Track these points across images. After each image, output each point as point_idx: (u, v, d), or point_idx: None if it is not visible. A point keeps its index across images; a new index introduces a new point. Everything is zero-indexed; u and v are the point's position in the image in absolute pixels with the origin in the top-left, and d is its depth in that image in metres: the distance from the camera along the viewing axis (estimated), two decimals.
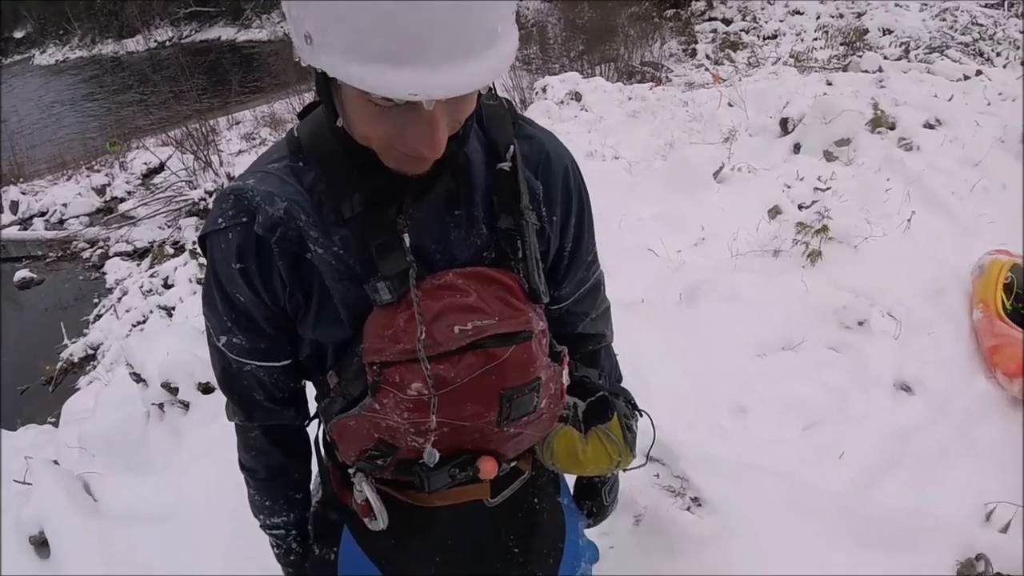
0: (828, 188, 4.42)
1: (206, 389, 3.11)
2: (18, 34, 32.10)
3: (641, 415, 1.34)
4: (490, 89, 1.04)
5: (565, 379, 1.22)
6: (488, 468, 1.12)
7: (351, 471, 1.15)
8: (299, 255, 0.96)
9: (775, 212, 4.27)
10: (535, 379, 1.05)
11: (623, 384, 1.46)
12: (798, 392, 2.80)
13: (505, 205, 1.02)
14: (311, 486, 1.41)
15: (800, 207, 4.31)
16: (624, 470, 1.36)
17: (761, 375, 2.91)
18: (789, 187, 4.55)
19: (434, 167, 0.90)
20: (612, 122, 7.06)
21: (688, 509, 2.24)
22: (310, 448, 1.34)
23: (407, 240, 0.95)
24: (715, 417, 2.72)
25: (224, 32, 26.38)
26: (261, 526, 1.38)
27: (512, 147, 1.03)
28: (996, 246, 3.44)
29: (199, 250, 1.06)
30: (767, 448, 2.54)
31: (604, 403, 1.30)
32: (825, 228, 3.70)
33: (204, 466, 2.66)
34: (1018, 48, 10.05)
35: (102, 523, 2.53)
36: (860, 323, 3.08)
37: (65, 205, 10.55)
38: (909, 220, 3.81)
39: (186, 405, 3.17)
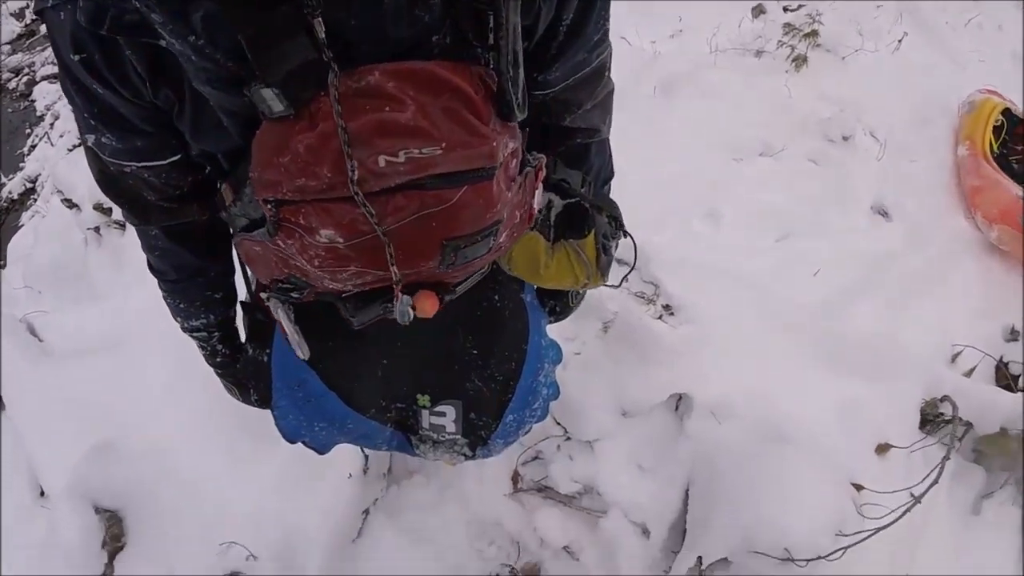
0: None
1: None
2: None
3: (625, 236, 1.10)
4: None
5: (537, 200, 0.93)
6: (427, 306, 0.90)
7: (265, 296, 0.96)
8: (153, 44, 0.65)
9: (759, 11, 3.84)
10: (493, 224, 0.81)
11: (612, 184, 1.16)
12: (774, 201, 2.57)
13: None
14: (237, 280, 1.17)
15: (785, 9, 3.90)
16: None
17: (736, 179, 2.65)
18: None
19: None
20: None
21: (660, 318, 2.02)
22: (228, 241, 1.02)
23: (320, 30, 0.61)
24: (687, 219, 2.47)
25: None
26: (182, 329, 1.16)
27: None
28: (985, 85, 3.21)
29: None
30: (740, 255, 2.33)
31: (582, 215, 1.06)
32: (815, 32, 3.38)
33: (148, 286, 2.29)
34: None
35: (51, 364, 2.40)
36: (845, 138, 2.85)
37: None
38: (900, 41, 3.50)
39: (122, 225, 2.95)
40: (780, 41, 3.37)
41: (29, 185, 5.84)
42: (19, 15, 9.57)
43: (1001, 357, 2.20)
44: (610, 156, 1.12)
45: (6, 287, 3.07)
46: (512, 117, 0.73)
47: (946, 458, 1.81)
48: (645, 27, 3.58)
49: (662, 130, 2.84)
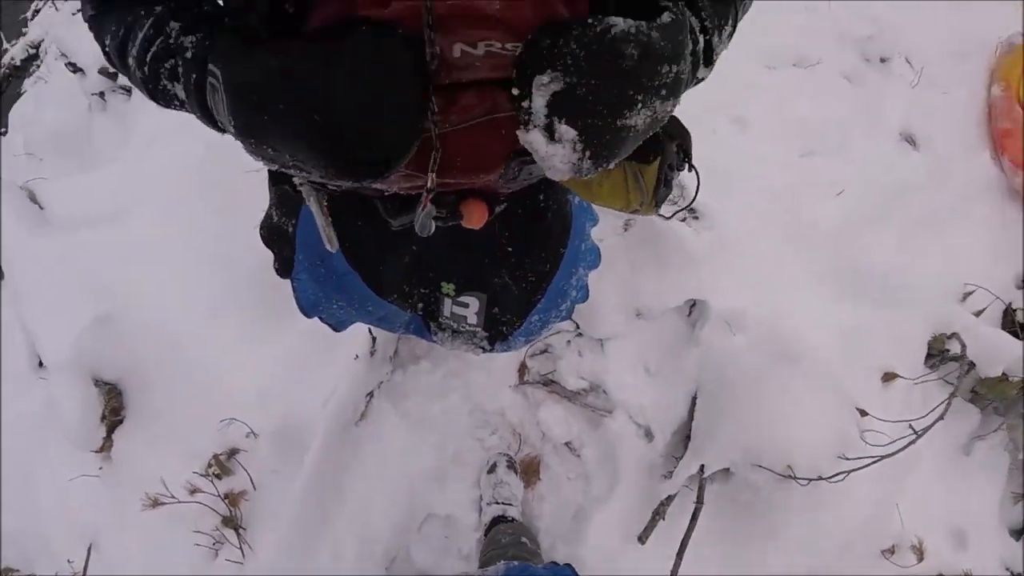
0: None
1: None
2: None
3: (690, 170, 0.99)
4: None
5: None
6: (475, 215, 0.81)
7: (297, 182, 0.85)
8: None
9: None
10: None
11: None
12: (803, 115, 2.44)
13: None
14: None
15: None
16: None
17: (767, 88, 2.50)
18: None
19: None
20: None
21: (684, 221, 1.92)
22: None
23: None
24: (713, 122, 2.32)
25: None
26: (134, 68, 0.73)
27: None
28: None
29: None
30: (765, 167, 2.21)
31: (652, 139, 0.85)
32: None
33: (155, 153, 2.31)
34: None
35: (52, 233, 2.24)
36: (882, 60, 2.71)
37: None
38: None
39: (128, 91, 2.77)
40: None
41: (32, 51, 5.56)
42: None
43: (1010, 304, 2.17)
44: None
45: (7, 154, 2.88)
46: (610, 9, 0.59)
47: (952, 395, 1.79)
48: None
49: None
